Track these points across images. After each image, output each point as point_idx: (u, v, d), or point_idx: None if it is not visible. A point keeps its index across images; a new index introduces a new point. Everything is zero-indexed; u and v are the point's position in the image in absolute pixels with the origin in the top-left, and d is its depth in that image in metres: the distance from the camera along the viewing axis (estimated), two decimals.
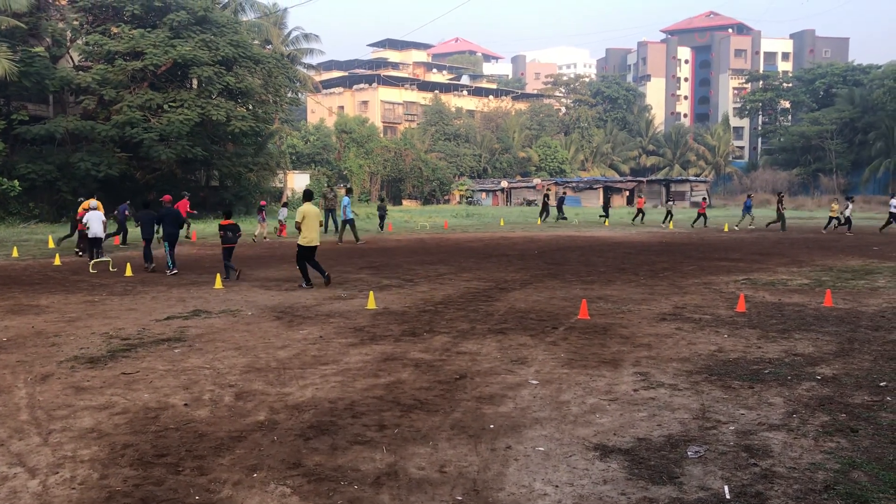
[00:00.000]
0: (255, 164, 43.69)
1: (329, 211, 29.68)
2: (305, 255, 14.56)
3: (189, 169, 41.70)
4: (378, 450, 5.51)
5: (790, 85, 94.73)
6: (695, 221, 36.73)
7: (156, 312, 11.55)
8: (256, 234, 27.65)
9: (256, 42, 49.09)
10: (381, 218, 33.38)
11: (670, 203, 41.42)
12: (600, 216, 42.07)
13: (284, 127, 57.76)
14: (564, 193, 47.55)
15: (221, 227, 16.49)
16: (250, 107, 42.10)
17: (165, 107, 36.84)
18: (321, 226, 17.76)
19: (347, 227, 26.48)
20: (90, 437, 5.80)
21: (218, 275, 15.06)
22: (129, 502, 4.63)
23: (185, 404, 6.66)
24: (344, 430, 5.96)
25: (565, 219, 40.77)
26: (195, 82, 39.59)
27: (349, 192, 28.72)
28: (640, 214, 39.17)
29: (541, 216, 40.10)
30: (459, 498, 4.68)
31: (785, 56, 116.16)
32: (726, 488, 4.82)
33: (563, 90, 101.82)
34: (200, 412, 6.44)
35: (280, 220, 31.45)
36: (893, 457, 5.35)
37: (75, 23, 38.32)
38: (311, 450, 5.51)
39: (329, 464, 5.24)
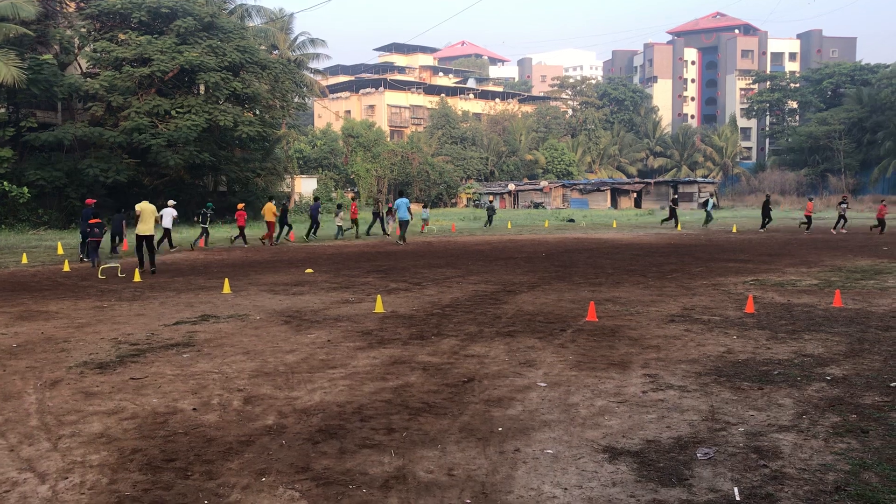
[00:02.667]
0: (263, 169, 43.85)
1: (375, 214, 32.73)
2: (139, 243, 18.05)
3: (197, 174, 41.87)
4: (386, 453, 5.51)
5: (797, 85, 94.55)
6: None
7: (164, 317, 11.58)
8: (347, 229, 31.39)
9: (263, 47, 49.26)
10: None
11: (705, 199, 39.51)
12: (663, 221, 38.65)
13: (291, 132, 57.89)
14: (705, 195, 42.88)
15: (88, 225, 19.66)
16: (257, 112, 42.27)
17: (173, 112, 37.03)
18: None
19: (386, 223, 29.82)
20: (99, 442, 5.81)
21: (226, 280, 15.09)
22: None
23: (194, 409, 6.67)
24: (352, 433, 5.96)
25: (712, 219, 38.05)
26: (202, 88, 39.78)
27: (402, 194, 30.86)
28: (809, 222, 33.21)
29: (665, 221, 37.76)
30: (468, 501, 4.67)
31: (792, 56, 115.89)
32: (736, 490, 4.79)
33: (570, 92, 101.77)
34: (209, 417, 6.45)
35: (423, 219, 36.93)
36: None
37: (83, 30, 38.54)
38: (319, 454, 5.51)
39: (337, 467, 5.24)
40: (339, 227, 30.93)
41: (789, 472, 5.09)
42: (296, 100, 50.99)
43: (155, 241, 18.72)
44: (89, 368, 8.21)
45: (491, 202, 41.11)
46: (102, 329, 10.64)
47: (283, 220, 28.70)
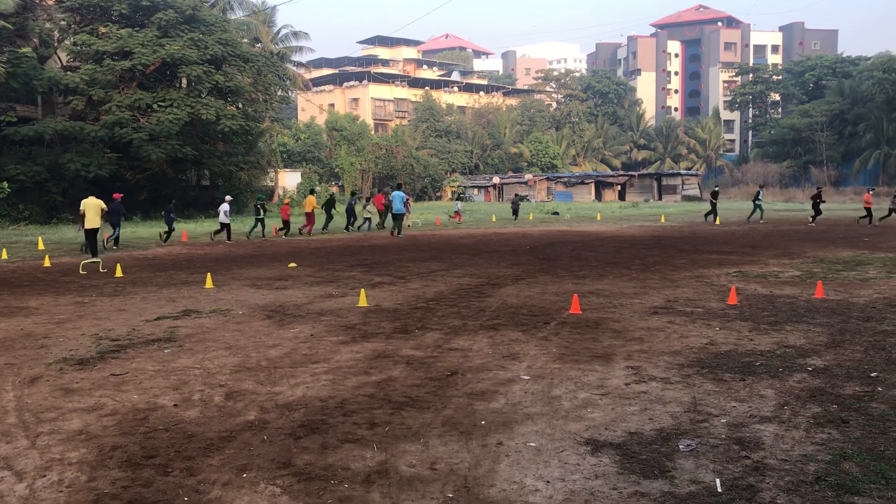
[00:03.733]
0: (246, 163, 43.64)
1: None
2: (89, 235, 19.42)
3: (179, 168, 41.63)
4: (369, 448, 5.48)
5: (780, 77, 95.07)
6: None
7: (146, 313, 11.49)
8: (410, 223, 32.60)
9: (245, 40, 48.97)
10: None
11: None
12: (707, 216, 35.61)
13: (275, 125, 57.62)
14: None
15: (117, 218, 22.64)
16: (240, 105, 42.03)
17: (155, 106, 36.74)
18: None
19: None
20: (78, 439, 5.75)
21: (209, 275, 15.00)
22: None
23: (175, 405, 6.62)
24: (334, 428, 5.93)
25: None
26: (184, 81, 39.51)
27: (399, 187, 32.64)
28: (869, 214, 31.97)
29: (708, 216, 35.38)
30: (450, 495, 4.66)
31: (774, 49, 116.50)
32: (718, 481, 4.81)
33: (554, 85, 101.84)
34: (190, 412, 6.40)
35: (457, 210, 38.80)
36: (884, 447, 5.35)
37: (62, 23, 38.15)
38: (301, 449, 5.48)
39: (319, 463, 5.21)
40: (367, 220, 31.68)
41: (771, 463, 5.11)
42: (279, 93, 50.70)
43: (98, 236, 20.10)
44: (69, 365, 8.13)
45: (517, 194, 42.40)
46: (83, 325, 10.54)
47: (327, 209, 30.38)
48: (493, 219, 38.98)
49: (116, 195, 23.72)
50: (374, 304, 12.03)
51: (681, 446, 5.45)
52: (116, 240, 23.45)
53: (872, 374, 7.33)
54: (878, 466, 4.99)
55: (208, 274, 15.10)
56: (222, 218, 26.01)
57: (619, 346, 8.75)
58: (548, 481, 4.87)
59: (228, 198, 27.10)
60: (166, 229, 25.49)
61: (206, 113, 36.97)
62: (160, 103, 36.81)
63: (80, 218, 19.86)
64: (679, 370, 7.62)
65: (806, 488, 4.69)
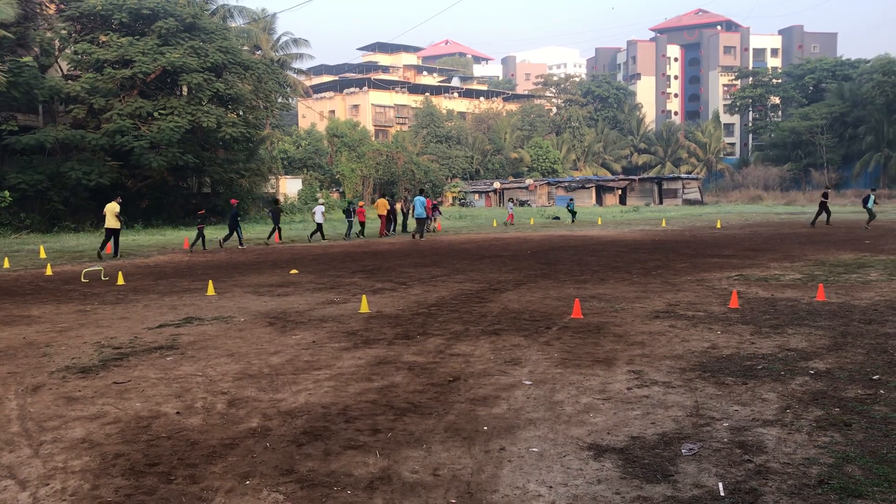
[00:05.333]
0: (247, 170, 43.67)
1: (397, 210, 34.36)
2: (107, 234, 22.39)
3: (180, 176, 41.66)
4: (371, 454, 5.49)
5: (780, 81, 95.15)
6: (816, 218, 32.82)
7: (148, 320, 11.50)
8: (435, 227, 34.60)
9: (246, 48, 49.07)
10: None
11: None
12: (818, 218, 32.95)
13: (275, 132, 57.74)
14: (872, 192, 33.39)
15: (235, 220, 26.20)
16: (241, 113, 42.07)
17: (155, 114, 36.79)
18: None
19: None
20: (81, 447, 5.76)
21: (210, 282, 15.01)
22: None
23: (178, 412, 6.63)
24: (337, 435, 5.93)
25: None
26: (185, 89, 39.57)
27: (421, 192, 33.72)
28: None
29: (818, 218, 32.77)
30: (453, 501, 4.66)
31: (774, 52, 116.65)
32: (720, 485, 4.81)
33: (554, 90, 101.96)
34: (193, 420, 6.40)
35: (510, 211, 41.80)
36: (887, 450, 5.35)
37: (63, 32, 38.24)
38: (303, 456, 5.48)
39: (322, 469, 5.21)
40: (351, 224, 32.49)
41: (773, 467, 5.11)
42: (279, 100, 50.74)
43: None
44: (71, 373, 8.14)
45: (511, 198, 46.03)
46: (85, 333, 10.55)
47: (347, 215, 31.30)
48: (494, 223, 38.98)
49: (234, 201, 28.89)
50: (375, 310, 12.03)
51: (683, 450, 5.45)
52: (238, 241, 26.69)
53: (874, 377, 7.33)
54: (880, 469, 4.99)
55: (210, 281, 15.12)
56: (318, 218, 29.59)
57: (620, 351, 8.76)
58: (550, 486, 4.87)
59: (322, 200, 32.38)
60: (226, 234, 27.09)
61: (207, 120, 37.02)
62: (161, 111, 36.86)
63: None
64: (681, 374, 7.62)
65: (808, 491, 4.69)
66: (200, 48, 37.97)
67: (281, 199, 53.05)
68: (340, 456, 5.46)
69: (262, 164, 47.80)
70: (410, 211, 33.46)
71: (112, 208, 22.55)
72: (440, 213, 38.58)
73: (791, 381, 7.29)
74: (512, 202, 46.03)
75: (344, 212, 31.49)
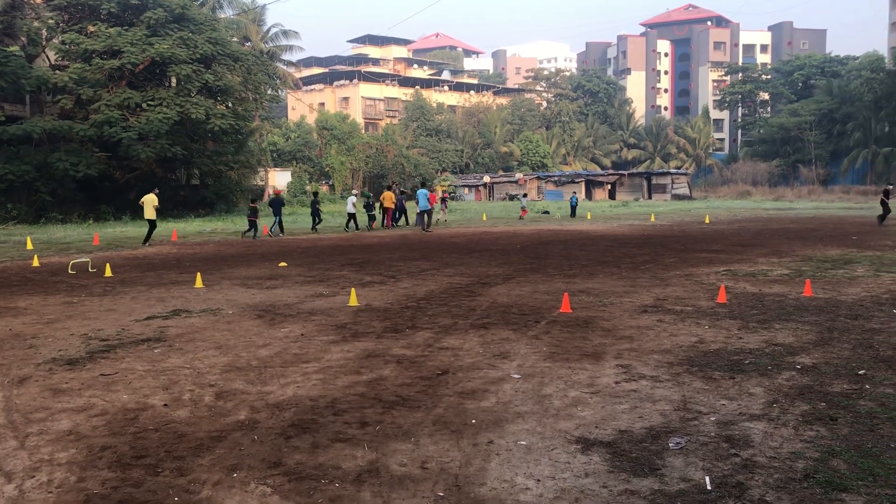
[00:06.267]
0: (236, 162, 43.49)
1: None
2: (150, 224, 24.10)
3: (169, 168, 41.46)
4: (359, 447, 5.49)
5: (769, 77, 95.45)
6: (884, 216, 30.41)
7: (135, 312, 11.45)
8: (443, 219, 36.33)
9: (235, 39, 48.81)
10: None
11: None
12: (884, 217, 30.33)
13: (265, 124, 57.50)
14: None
15: (279, 210, 28.71)
16: (230, 104, 41.87)
17: (144, 105, 36.58)
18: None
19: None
20: (68, 439, 5.73)
21: (199, 274, 14.95)
22: None
23: (165, 405, 6.61)
24: (325, 427, 5.93)
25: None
26: (174, 80, 39.35)
27: (424, 184, 35.86)
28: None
29: (885, 217, 30.25)
30: (441, 494, 4.67)
31: (763, 48, 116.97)
32: (707, 479, 4.83)
33: (544, 84, 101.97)
34: (180, 412, 6.39)
35: (522, 206, 41.29)
36: (872, 444, 5.39)
37: (51, 21, 37.92)
38: (291, 448, 5.48)
39: (310, 462, 5.21)
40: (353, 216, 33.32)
41: (759, 461, 5.14)
42: (269, 92, 50.54)
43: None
44: (58, 365, 8.10)
45: (575, 193, 46.13)
46: (72, 325, 10.50)
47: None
48: (484, 217, 38.99)
49: (278, 191, 32.63)
50: (364, 303, 12.02)
51: (670, 444, 5.47)
52: (280, 227, 28.67)
53: (860, 372, 7.38)
54: (865, 463, 5.03)
55: (198, 273, 15.06)
56: (350, 209, 30.77)
57: (609, 345, 8.78)
58: (538, 479, 4.88)
59: (355, 191, 35.26)
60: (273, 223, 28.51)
61: (196, 112, 36.82)
62: (149, 102, 36.64)
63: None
64: (669, 368, 7.65)
65: (794, 485, 4.72)
66: (189, 39, 37.74)
67: (270, 191, 52.88)
68: (328, 449, 5.46)
69: (251, 156, 47.61)
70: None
71: (150, 199, 24.10)
72: (446, 208, 39.58)
73: (778, 375, 7.33)
74: (525, 197, 46.51)
75: (364, 206, 31.90)
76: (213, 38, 39.26)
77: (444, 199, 39.34)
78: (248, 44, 54.32)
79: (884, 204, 31.03)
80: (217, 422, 6.11)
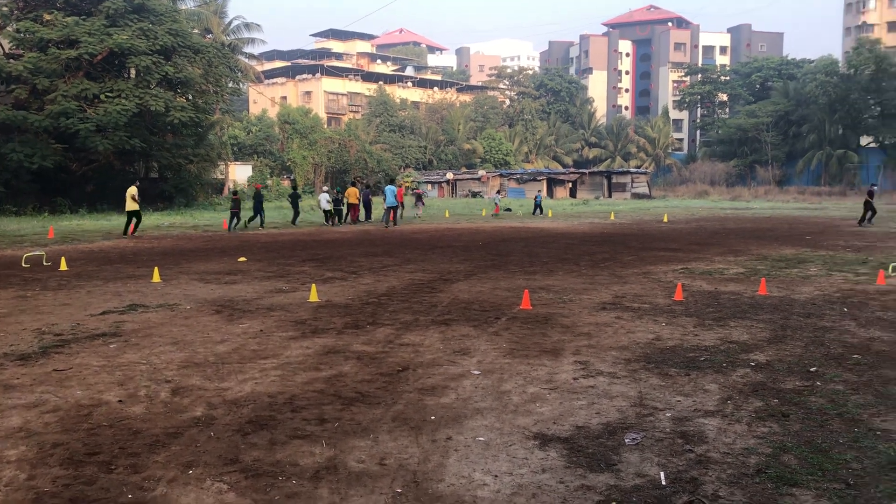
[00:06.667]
0: (196, 156, 42.93)
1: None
2: (129, 215, 24.71)
3: (127, 160, 40.78)
4: (318, 444, 5.46)
5: (727, 78, 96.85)
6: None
7: (91, 307, 11.25)
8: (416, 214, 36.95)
9: (196, 31, 48.15)
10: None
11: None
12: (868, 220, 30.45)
13: (226, 117, 56.81)
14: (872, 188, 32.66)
15: (259, 203, 29.45)
16: (190, 97, 41.31)
17: (102, 97, 35.91)
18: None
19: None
20: (18, 436, 5.61)
21: (156, 268, 14.74)
22: (57, 503, 4.50)
23: (120, 401, 6.51)
24: (283, 424, 5.89)
25: None
26: (133, 72, 38.66)
27: (392, 181, 36.06)
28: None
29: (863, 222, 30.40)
30: (399, 490, 4.67)
31: (723, 50, 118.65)
32: (662, 474, 4.90)
33: (507, 82, 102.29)
34: (135, 408, 6.30)
35: (496, 203, 41.96)
36: (822, 440, 5.52)
37: (5, 9, 37.03)
38: (249, 445, 5.43)
39: (267, 459, 5.17)
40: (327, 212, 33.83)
41: (713, 457, 5.22)
42: (230, 85, 50.01)
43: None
44: (10, 360, 7.92)
45: (539, 192, 46.66)
46: (25, 319, 10.28)
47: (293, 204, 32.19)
48: (447, 214, 39.01)
49: (258, 185, 33.35)
50: (325, 299, 11.96)
51: (626, 440, 5.54)
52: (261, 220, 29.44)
53: (812, 369, 7.54)
54: (815, 459, 5.14)
55: (156, 268, 14.85)
56: (324, 205, 31.03)
57: (567, 342, 8.85)
58: (496, 475, 4.91)
59: (326, 187, 34.48)
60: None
61: (155, 104, 36.26)
62: (108, 94, 35.98)
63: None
64: (626, 365, 7.74)
65: (747, 481, 4.81)
66: (149, 30, 37.15)
67: (231, 185, 52.28)
68: (286, 445, 5.43)
69: (212, 149, 47.04)
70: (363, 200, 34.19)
71: (131, 192, 24.85)
72: (423, 204, 40.00)
73: (732, 372, 7.45)
74: (499, 194, 46.81)
75: (332, 201, 31.73)
76: (174, 29, 38.69)
77: (419, 197, 39.95)
78: (210, 36, 53.57)
79: (868, 204, 30.71)
80: (173, 418, 6.04)
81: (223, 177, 53.66)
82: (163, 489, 4.68)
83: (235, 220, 27.72)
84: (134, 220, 24.95)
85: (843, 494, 4.58)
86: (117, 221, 31.23)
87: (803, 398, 6.58)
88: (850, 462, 5.09)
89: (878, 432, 5.69)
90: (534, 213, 40.02)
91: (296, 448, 5.38)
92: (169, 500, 4.54)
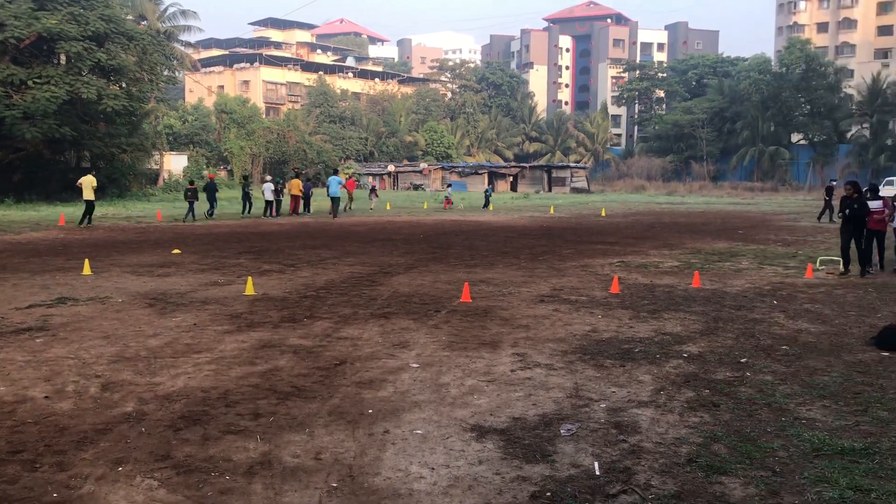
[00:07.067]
0: (129, 145, 41.78)
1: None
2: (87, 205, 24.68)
3: (57, 149, 39.48)
4: (252, 439, 5.38)
5: (664, 75, 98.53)
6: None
7: (16, 300, 10.88)
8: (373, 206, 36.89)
9: (130, 17, 46.91)
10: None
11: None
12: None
13: (160, 106, 55.47)
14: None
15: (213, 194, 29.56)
16: (124, 85, 40.20)
17: (30, 83, 34.69)
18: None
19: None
20: None
21: (87, 261, 14.33)
22: None
23: (46, 397, 6.31)
24: (216, 419, 5.79)
25: None
26: (63, 58, 37.47)
27: (335, 172, 36.45)
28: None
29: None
30: (334, 484, 4.63)
31: (660, 47, 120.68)
32: (596, 464, 4.96)
33: (449, 75, 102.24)
34: (63, 405, 6.11)
35: (447, 196, 40.45)
36: (750, 429, 5.66)
37: None
38: (181, 441, 5.32)
39: (200, 455, 5.07)
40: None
41: (646, 446, 5.31)
42: (165, 73, 48.77)
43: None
44: None
45: (490, 186, 46.71)
46: None
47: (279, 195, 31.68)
48: (388, 206, 38.86)
49: (211, 175, 34.47)
50: (261, 292, 11.79)
51: (562, 431, 5.59)
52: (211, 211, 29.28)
53: (742, 360, 7.74)
54: (744, 447, 5.27)
55: (86, 260, 14.44)
56: (268, 196, 30.24)
57: (506, 334, 8.91)
58: (433, 468, 4.90)
59: (269, 177, 33.71)
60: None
61: (87, 92, 35.20)
62: (36, 80, 34.77)
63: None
64: (563, 357, 7.82)
65: (678, 469, 4.90)
66: (81, 15, 36.02)
67: (166, 175, 51.16)
68: (220, 441, 5.33)
69: (146, 139, 45.87)
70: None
71: (89, 181, 24.93)
72: (377, 196, 39.88)
73: (665, 363, 7.60)
74: (450, 187, 46.45)
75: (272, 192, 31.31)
76: (107, 14, 37.59)
77: (373, 189, 40.16)
78: (144, 23, 52.25)
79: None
80: (102, 414, 5.88)
81: (157, 167, 52.46)
82: (90, 487, 4.55)
83: (191, 214, 27.57)
84: (85, 209, 24.88)
85: (769, 482, 4.71)
86: (46, 212, 30.34)
87: (733, 388, 6.74)
88: (777, 450, 5.24)
89: (804, 421, 5.87)
90: (484, 207, 40.06)
91: (229, 443, 5.29)
92: (96, 498, 4.42)
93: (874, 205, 14.74)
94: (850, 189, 14.27)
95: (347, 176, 43.67)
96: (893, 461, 5.04)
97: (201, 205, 29.84)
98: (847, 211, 14.12)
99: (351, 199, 36.72)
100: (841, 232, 14.64)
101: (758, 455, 5.14)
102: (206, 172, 49.16)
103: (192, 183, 29.60)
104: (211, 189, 29.96)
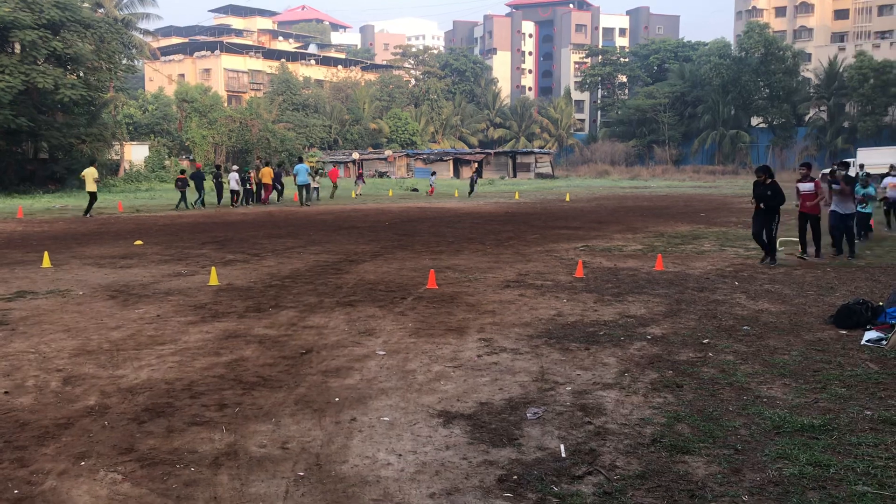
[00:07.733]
0: (88, 135, 41.10)
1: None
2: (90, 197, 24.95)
3: (14, 140, 38.72)
4: (217, 430, 5.34)
5: (627, 60, 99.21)
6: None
7: None
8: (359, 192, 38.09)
9: (86, 5, 45.95)
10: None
11: None
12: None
13: (120, 95, 54.51)
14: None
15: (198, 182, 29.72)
16: (81, 74, 39.52)
17: None
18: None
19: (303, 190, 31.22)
20: None
21: (46, 253, 14.08)
22: None
23: (6, 392, 6.20)
24: (181, 411, 5.73)
25: None
26: (17, 47, 36.67)
27: (301, 160, 35.98)
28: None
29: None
30: (301, 473, 4.62)
31: (622, 32, 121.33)
32: (562, 447, 5.01)
33: (412, 62, 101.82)
34: (23, 399, 6.01)
35: (431, 183, 42.12)
36: (713, 409, 5.75)
37: None
38: (145, 433, 5.26)
39: (164, 447, 5.02)
40: (316, 190, 34.37)
41: (611, 428, 5.37)
42: (124, 62, 48.04)
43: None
44: None
45: (475, 173, 45.50)
46: None
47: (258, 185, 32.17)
48: (353, 195, 38.71)
49: (199, 165, 35.45)
50: (225, 282, 11.69)
51: (528, 415, 5.63)
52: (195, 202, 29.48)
53: (705, 341, 7.85)
54: (706, 427, 5.35)
55: (46, 252, 14.17)
56: (233, 185, 30.12)
57: (472, 320, 8.93)
58: (400, 454, 4.91)
59: (235, 167, 33.25)
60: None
61: (43, 81, 34.54)
62: None
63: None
64: (528, 341, 7.87)
65: (643, 450, 4.96)
66: (34, 3, 35.27)
67: (127, 165, 50.34)
68: (184, 433, 5.29)
69: (105, 128, 45.10)
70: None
71: (90, 172, 25.35)
72: (364, 182, 41.23)
73: (630, 346, 7.68)
74: (434, 175, 46.35)
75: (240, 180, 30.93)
76: (61, 2, 36.84)
77: (360, 175, 41.31)
78: (101, 10, 51.24)
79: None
80: (64, 408, 5.79)
81: (118, 157, 51.63)
82: (52, 482, 4.49)
83: (184, 202, 28.65)
84: (89, 201, 25.18)
85: (732, 459, 4.79)
86: (2, 204, 29.74)
87: (696, 369, 6.83)
88: (738, 429, 5.33)
89: (765, 399, 5.97)
90: (470, 195, 39.43)
91: (194, 435, 5.24)
92: (59, 493, 4.36)
93: (805, 187, 13.95)
94: (762, 175, 13.24)
95: (319, 167, 43.83)
96: (851, 437, 5.15)
97: (192, 193, 29.98)
98: (754, 197, 13.34)
99: (335, 186, 37.34)
100: (752, 219, 13.73)
101: (720, 434, 5.22)
102: (183, 164, 49.31)
103: (182, 172, 30.24)
104: (199, 178, 30.41)
